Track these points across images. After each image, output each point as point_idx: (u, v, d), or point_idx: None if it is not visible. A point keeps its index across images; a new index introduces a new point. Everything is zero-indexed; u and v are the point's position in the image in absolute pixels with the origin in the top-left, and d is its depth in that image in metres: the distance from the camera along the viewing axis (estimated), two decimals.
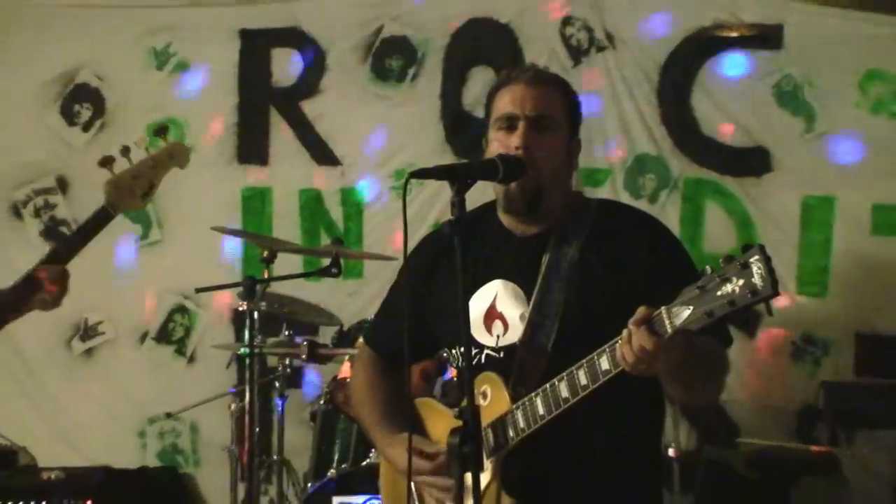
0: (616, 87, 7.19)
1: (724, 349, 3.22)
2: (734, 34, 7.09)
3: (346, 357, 5.67)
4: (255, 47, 7.58)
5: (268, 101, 7.60)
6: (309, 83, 7.54)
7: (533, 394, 3.05)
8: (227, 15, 7.62)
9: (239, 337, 6.91)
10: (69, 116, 7.64)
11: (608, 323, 2.89)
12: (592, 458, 3.18)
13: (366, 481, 5.14)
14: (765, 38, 7.04)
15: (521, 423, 3.06)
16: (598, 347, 2.91)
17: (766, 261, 2.52)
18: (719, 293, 2.58)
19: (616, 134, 7.21)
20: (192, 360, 7.63)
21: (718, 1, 7.11)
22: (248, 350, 5.76)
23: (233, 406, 6.40)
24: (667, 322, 2.70)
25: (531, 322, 3.17)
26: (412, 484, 3.31)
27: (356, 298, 7.22)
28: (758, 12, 7.06)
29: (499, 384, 3.13)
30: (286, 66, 7.57)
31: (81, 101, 7.67)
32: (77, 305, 6.77)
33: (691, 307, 2.64)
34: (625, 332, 2.78)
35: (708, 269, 2.63)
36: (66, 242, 3.82)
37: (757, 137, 6.99)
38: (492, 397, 3.14)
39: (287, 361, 6.23)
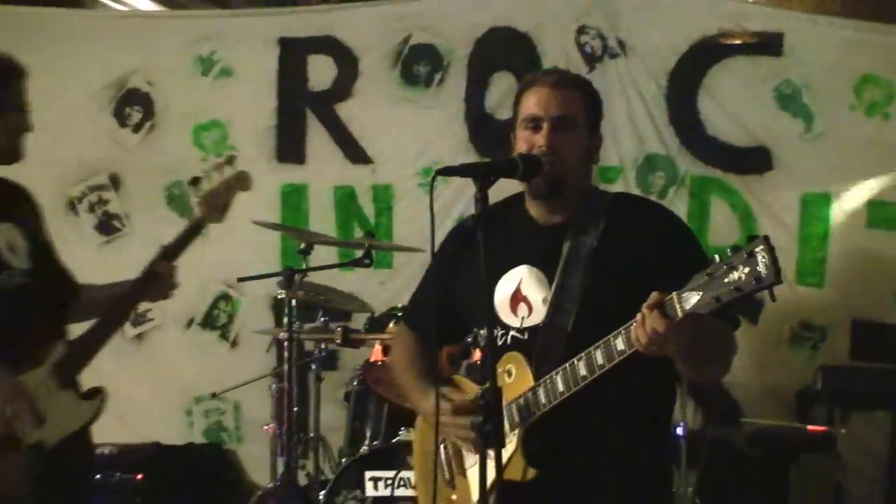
0: (627, 91, 7.20)
1: (731, 332, 3.24)
2: (738, 42, 7.11)
3: (378, 342, 5.69)
4: (293, 54, 7.58)
5: (304, 104, 7.60)
6: (342, 87, 7.54)
7: (553, 372, 3.08)
8: (267, 24, 7.66)
9: (278, 323, 6.90)
10: (121, 118, 7.66)
11: (623, 307, 2.91)
12: (608, 432, 3.19)
13: (396, 457, 5.23)
14: (766, 45, 7.05)
15: (543, 400, 3.10)
16: (614, 330, 2.95)
17: (770, 251, 2.57)
18: (726, 280, 2.62)
19: (627, 135, 7.23)
20: (234, 344, 7.67)
21: (723, 11, 7.14)
22: (286, 335, 5.78)
23: (273, 387, 6.41)
24: (677, 306, 2.74)
25: (552, 305, 3.19)
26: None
27: (386, 287, 7.27)
28: (760, 22, 7.10)
29: (522, 363, 3.17)
30: (321, 71, 7.56)
31: (132, 105, 7.68)
32: None
33: (700, 293, 2.69)
34: (639, 315, 2.82)
35: (717, 257, 2.67)
36: (172, 245, 3.97)
37: (759, 138, 7.01)
38: (516, 375, 3.17)
39: (322, 346, 6.22)
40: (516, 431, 3.16)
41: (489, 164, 3.30)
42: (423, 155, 7.41)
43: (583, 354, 3.01)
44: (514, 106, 3.41)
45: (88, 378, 7.37)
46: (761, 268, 2.57)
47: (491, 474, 2.93)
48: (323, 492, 5.44)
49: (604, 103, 7.22)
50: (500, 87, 7.37)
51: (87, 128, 7.66)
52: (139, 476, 5.46)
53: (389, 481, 5.20)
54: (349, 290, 6.61)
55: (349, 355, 6.89)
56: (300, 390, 6.14)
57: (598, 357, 2.97)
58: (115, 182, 7.71)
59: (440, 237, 3.25)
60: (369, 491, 5.24)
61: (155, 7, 8.92)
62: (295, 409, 5.94)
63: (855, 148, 7.04)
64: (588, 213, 3.29)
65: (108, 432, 7.00)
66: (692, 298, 2.71)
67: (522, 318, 3.26)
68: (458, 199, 6.92)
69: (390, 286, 7.29)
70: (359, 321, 6.55)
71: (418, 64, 7.47)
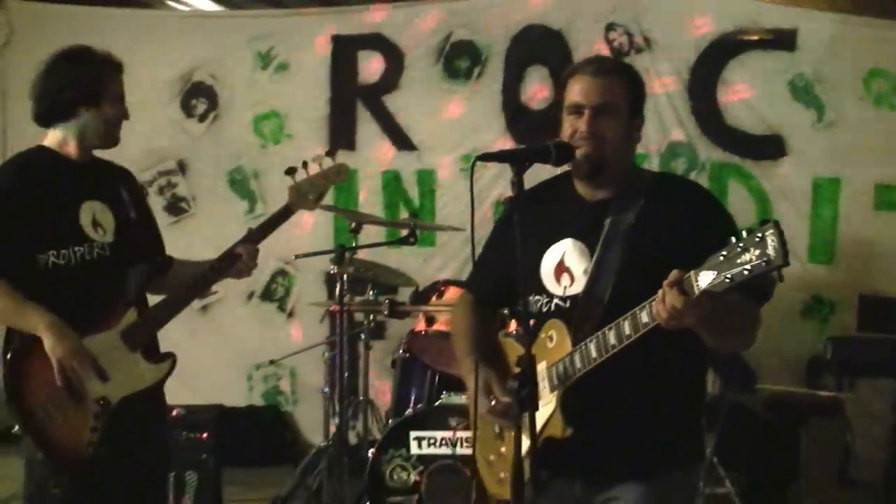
0: (652, 83, 7.13)
1: (755, 306, 3.18)
2: (754, 38, 7.12)
3: (421, 313, 5.70)
4: (344, 50, 7.63)
5: (355, 95, 7.65)
6: (390, 81, 7.59)
7: (588, 339, 3.08)
8: (321, 23, 7.68)
9: (331, 296, 6.97)
10: (188, 109, 7.75)
11: (657, 281, 2.89)
12: (641, 394, 3.20)
13: (438, 419, 5.27)
14: (780, 41, 7.06)
15: (578, 364, 3.09)
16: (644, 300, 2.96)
17: (780, 235, 2.57)
18: (739, 261, 2.63)
19: (652, 124, 7.13)
20: (291, 315, 7.75)
21: (740, 9, 7.13)
22: (338, 307, 5.78)
23: (325, 354, 6.51)
24: (694, 284, 2.75)
25: (592, 277, 3.18)
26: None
27: (429, 263, 7.34)
28: (774, 19, 7.09)
29: (563, 330, 3.16)
30: (370, 66, 7.61)
31: (198, 97, 7.77)
32: None
33: (715, 272, 2.69)
34: (659, 291, 2.83)
35: (732, 239, 2.67)
36: (258, 229, 4.03)
37: (773, 126, 7.04)
38: (556, 341, 3.17)
39: (371, 317, 6.26)
40: (556, 393, 3.17)
41: (524, 151, 3.32)
42: (463, 142, 7.45)
43: (613, 324, 3.02)
44: (560, 91, 3.39)
45: (163, 348, 7.48)
46: (771, 250, 2.58)
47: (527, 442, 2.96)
48: (371, 450, 5.45)
49: None
50: (535, 80, 7.43)
51: (157, 118, 7.70)
52: (204, 435, 5.51)
53: (432, 441, 5.26)
54: (395, 266, 6.62)
55: (395, 326, 6.94)
56: (350, 358, 6.18)
57: (626, 328, 2.97)
58: (182, 167, 7.80)
59: (479, 218, 3.27)
60: (413, 449, 5.26)
61: (215, 7, 8.97)
62: (346, 374, 5.94)
63: (863, 136, 7.03)
64: (630, 191, 3.27)
65: (176, 395, 7.13)
66: (707, 277, 2.72)
67: (565, 287, 3.25)
68: (496, 182, 6.93)
69: (433, 262, 7.37)
70: (404, 294, 6.62)
71: (459, 59, 7.51)
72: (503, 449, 3.41)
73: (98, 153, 3.93)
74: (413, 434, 5.29)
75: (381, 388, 6.71)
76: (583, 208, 3.30)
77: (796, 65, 7.08)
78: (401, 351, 6.07)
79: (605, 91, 3.24)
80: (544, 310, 3.28)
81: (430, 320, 5.65)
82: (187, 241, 7.13)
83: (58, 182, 3.72)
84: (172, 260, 4.11)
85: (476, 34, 7.50)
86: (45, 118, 3.78)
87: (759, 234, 2.62)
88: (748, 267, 2.63)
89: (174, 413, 5.70)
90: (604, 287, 3.17)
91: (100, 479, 3.66)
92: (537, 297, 3.31)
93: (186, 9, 8.67)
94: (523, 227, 3.08)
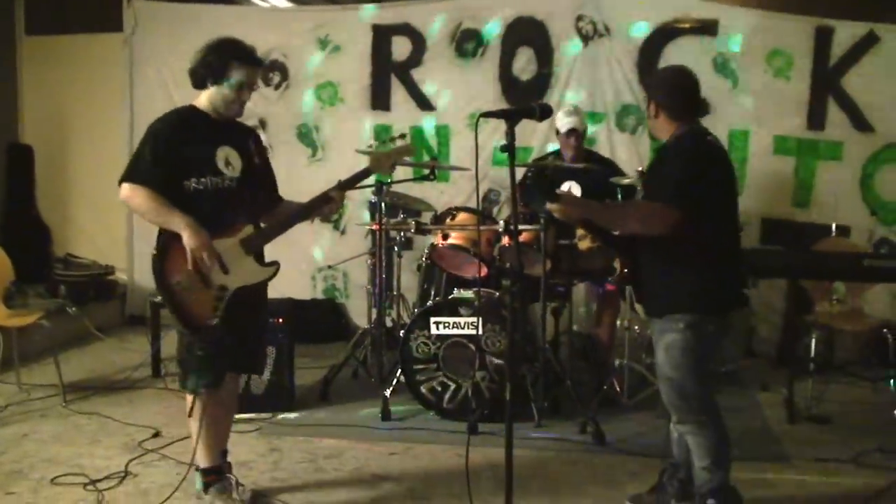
0: (610, 60, 7.16)
1: (652, 205, 3.51)
2: (687, 26, 7.05)
3: (439, 231, 5.62)
4: (382, 35, 7.54)
5: (390, 70, 7.55)
6: (415, 59, 7.50)
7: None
8: (364, 15, 7.58)
9: (372, 218, 6.92)
10: (266, 80, 7.61)
11: (656, 193, 3.29)
12: (657, 259, 3.48)
13: (451, 308, 5.27)
14: (706, 28, 7.02)
15: None
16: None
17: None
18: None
19: (610, 90, 7.19)
20: (343, 232, 7.71)
21: (675, 4, 7.08)
22: (378, 226, 5.74)
23: (368, 261, 6.48)
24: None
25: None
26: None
27: (445, 194, 7.24)
28: (702, 12, 7.05)
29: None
30: (401, 47, 7.52)
31: (274, 71, 7.67)
32: None
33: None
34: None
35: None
36: (347, 181, 4.02)
37: (701, 92, 6.89)
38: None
39: (402, 233, 6.23)
40: None
41: (515, 110, 3.31)
42: (469, 104, 7.35)
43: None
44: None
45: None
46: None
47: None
48: (402, 331, 5.47)
49: (593, 69, 7.26)
50: (523, 58, 7.36)
51: None
52: (280, 320, 5.47)
53: (447, 324, 5.25)
54: (420, 196, 6.57)
55: (420, 240, 6.89)
56: (387, 263, 6.13)
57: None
58: (262, 124, 7.69)
59: (481, 161, 3.25)
60: (433, 330, 5.25)
61: (287, 4, 8.87)
62: (383, 276, 5.92)
63: (766, 99, 6.99)
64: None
65: None
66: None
67: None
68: (494, 133, 6.84)
69: (447, 194, 7.28)
70: (426, 217, 6.55)
71: (467, 43, 7.42)
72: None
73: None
74: (433, 319, 5.28)
75: (409, 286, 6.64)
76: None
77: (717, 46, 7.01)
78: (423, 258, 6.02)
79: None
80: None
81: (446, 236, 5.59)
82: None
83: (199, 130, 3.81)
84: (281, 198, 4.14)
85: (479, 24, 7.40)
86: (193, 83, 3.85)
87: None
88: None
89: None
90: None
91: (225, 344, 3.81)
92: None
93: (266, 5, 8.60)
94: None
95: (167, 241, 3.75)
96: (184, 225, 3.67)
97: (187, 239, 3.66)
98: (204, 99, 3.85)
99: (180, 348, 3.92)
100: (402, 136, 4.47)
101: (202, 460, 4.00)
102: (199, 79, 3.82)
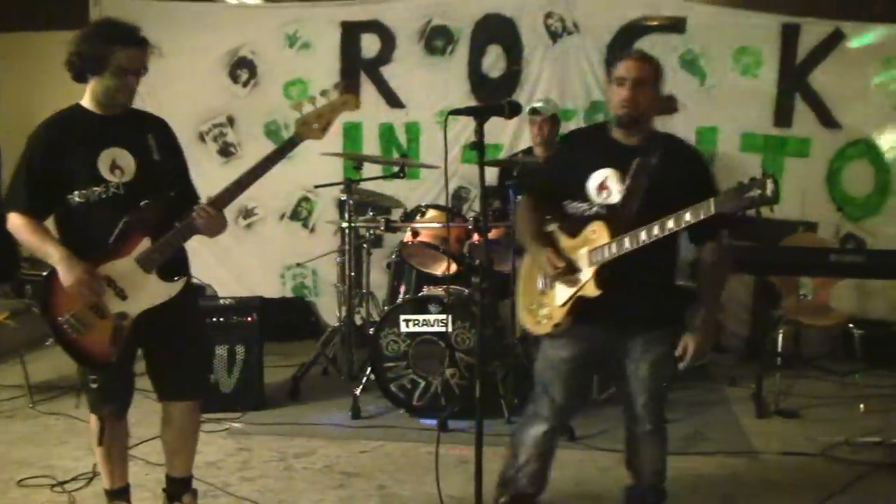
0: (579, 58, 7.16)
1: (724, 251, 3.53)
2: (655, 23, 7.06)
3: (408, 229, 5.62)
4: (351, 32, 7.49)
5: (359, 67, 7.51)
6: (385, 56, 7.46)
7: (622, 236, 3.20)
8: (334, 12, 7.52)
9: (341, 216, 6.90)
10: (234, 77, 7.59)
11: (666, 203, 3.09)
12: (652, 271, 3.32)
13: (420, 306, 5.25)
14: (674, 26, 7.03)
15: (614, 251, 3.23)
16: (662, 216, 3.09)
17: (775, 182, 2.76)
18: (746, 195, 2.81)
19: (580, 87, 7.19)
20: (312, 230, 7.67)
21: (644, 1, 7.09)
22: (347, 224, 5.77)
23: (338, 259, 6.43)
24: (712, 206, 2.93)
25: (625, 194, 3.29)
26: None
27: (415, 192, 7.20)
28: (670, 9, 7.06)
29: (604, 227, 3.28)
30: (370, 45, 7.47)
31: (242, 68, 7.62)
32: (241, 197, 6.73)
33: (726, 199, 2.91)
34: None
35: (745, 181, 2.85)
36: (267, 159, 3.52)
37: (668, 89, 6.86)
38: (598, 235, 3.29)
39: (371, 231, 6.16)
40: (593, 268, 3.30)
41: (485, 107, 3.32)
42: (439, 102, 7.32)
43: (644, 227, 3.14)
44: (609, 70, 3.50)
45: (218, 254, 7.41)
46: (769, 191, 2.75)
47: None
48: (371, 329, 5.45)
49: (562, 67, 7.28)
50: (492, 55, 7.33)
51: (211, 84, 7.62)
52: (249, 318, 5.46)
53: (416, 321, 5.24)
54: (389, 193, 6.54)
55: (389, 238, 6.84)
56: (356, 261, 6.11)
57: (656, 230, 3.11)
58: (230, 121, 7.67)
59: (450, 159, 3.24)
60: (402, 328, 5.24)
61: (256, 0, 8.80)
62: (353, 273, 5.92)
63: (733, 96, 7.03)
64: (652, 142, 3.36)
65: (228, 289, 7.15)
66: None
67: (605, 197, 3.35)
68: (464, 131, 6.83)
69: (417, 191, 7.25)
70: (396, 214, 6.52)
71: (436, 39, 7.38)
72: (545, 300, 3.53)
73: (150, 105, 3.67)
74: (402, 317, 5.27)
75: (379, 284, 6.62)
76: (620, 149, 3.39)
77: (685, 43, 7.04)
78: (393, 256, 6.02)
79: (641, 71, 3.35)
80: (587, 213, 3.39)
81: (415, 233, 5.58)
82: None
83: (79, 134, 3.36)
84: (198, 197, 3.60)
85: (449, 21, 7.37)
86: (72, 77, 3.40)
87: (762, 180, 2.79)
88: (752, 196, 2.80)
89: (227, 302, 5.63)
90: (634, 203, 3.28)
91: (125, 371, 3.50)
92: (583, 205, 3.42)
93: (234, 1, 8.51)
94: (574, 154, 3.48)
95: (50, 275, 3.35)
96: (57, 258, 3.29)
97: (62, 276, 3.28)
98: (87, 94, 3.41)
99: (77, 382, 3.59)
100: (324, 92, 3.68)
101: (104, 482, 3.75)
102: (78, 71, 3.37)
